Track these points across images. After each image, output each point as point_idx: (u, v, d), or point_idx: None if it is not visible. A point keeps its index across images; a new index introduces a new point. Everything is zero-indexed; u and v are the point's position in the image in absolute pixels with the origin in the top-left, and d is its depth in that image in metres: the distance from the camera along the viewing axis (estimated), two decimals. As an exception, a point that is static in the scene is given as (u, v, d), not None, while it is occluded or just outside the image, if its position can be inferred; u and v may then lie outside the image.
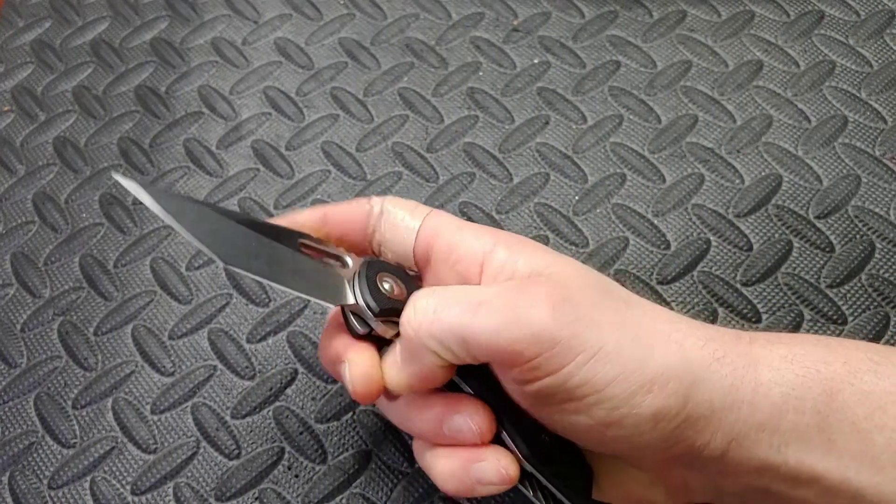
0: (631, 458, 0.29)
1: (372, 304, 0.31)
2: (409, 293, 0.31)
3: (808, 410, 0.27)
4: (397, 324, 0.30)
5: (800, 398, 0.27)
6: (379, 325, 0.31)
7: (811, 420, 0.27)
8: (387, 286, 0.32)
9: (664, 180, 0.44)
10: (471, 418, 0.29)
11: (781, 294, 0.40)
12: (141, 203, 0.46)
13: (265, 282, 0.31)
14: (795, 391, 0.27)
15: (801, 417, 0.27)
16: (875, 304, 0.39)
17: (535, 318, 0.27)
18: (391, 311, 0.31)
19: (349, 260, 0.33)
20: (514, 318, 0.27)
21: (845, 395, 0.27)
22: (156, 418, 0.39)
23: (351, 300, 0.31)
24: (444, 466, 0.30)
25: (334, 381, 0.40)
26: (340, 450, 0.38)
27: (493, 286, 0.29)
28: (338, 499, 0.37)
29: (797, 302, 0.40)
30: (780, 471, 0.27)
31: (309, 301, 0.32)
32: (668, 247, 0.42)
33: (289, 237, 0.32)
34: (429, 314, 0.28)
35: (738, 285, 0.41)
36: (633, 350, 0.27)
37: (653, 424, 0.27)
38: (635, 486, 0.30)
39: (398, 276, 0.32)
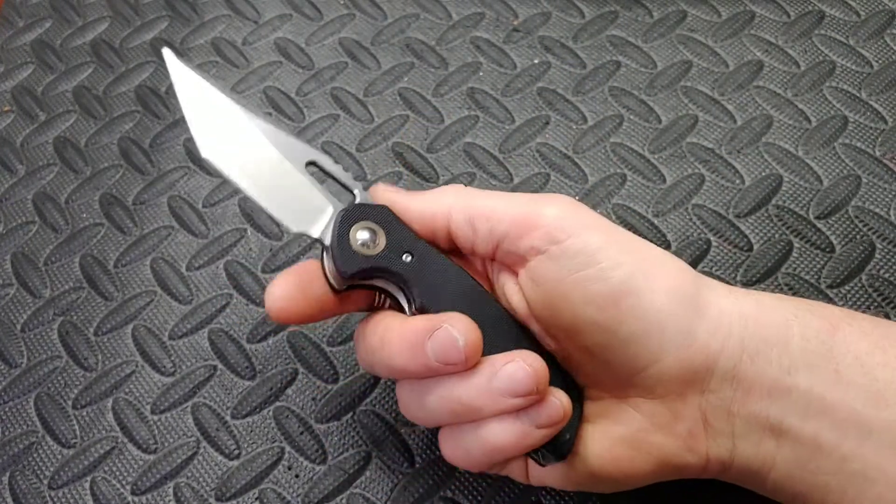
0: (648, 356, 0.29)
1: (340, 265, 0.31)
2: (392, 243, 0.31)
3: (813, 338, 0.28)
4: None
5: (803, 325, 0.29)
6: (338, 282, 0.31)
7: (817, 348, 0.28)
8: (363, 238, 0.31)
9: (664, 180, 0.44)
10: (454, 328, 0.28)
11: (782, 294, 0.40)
12: (142, 203, 0.46)
13: (233, 181, 0.32)
14: (798, 318, 0.29)
15: (808, 344, 0.28)
16: (875, 304, 0.39)
17: (557, 197, 0.31)
18: (361, 272, 0.31)
19: (359, 194, 0.32)
20: (537, 196, 0.32)
21: (846, 331, 0.29)
22: (156, 418, 0.39)
23: (315, 233, 0.32)
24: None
25: (334, 381, 0.40)
26: (340, 450, 0.38)
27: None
28: (338, 499, 0.37)
29: (797, 302, 0.40)
30: (792, 396, 0.28)
31: (276, 219, 0.32)
32: (668, 247, 0.42)
33: (299, 153, 0.33)
34: (459, 193, 0.32)
35: (739, 286, 0.41)
36: (644, 244, 0.31)
37: (668, 300, 0.29)
38: (647, 432, 0.30)
39: (383, 224, 0.31)
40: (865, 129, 0.45)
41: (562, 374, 0.31)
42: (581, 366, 0.31)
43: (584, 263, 0.29)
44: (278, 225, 0.32)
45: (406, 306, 0.31)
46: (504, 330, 0.30)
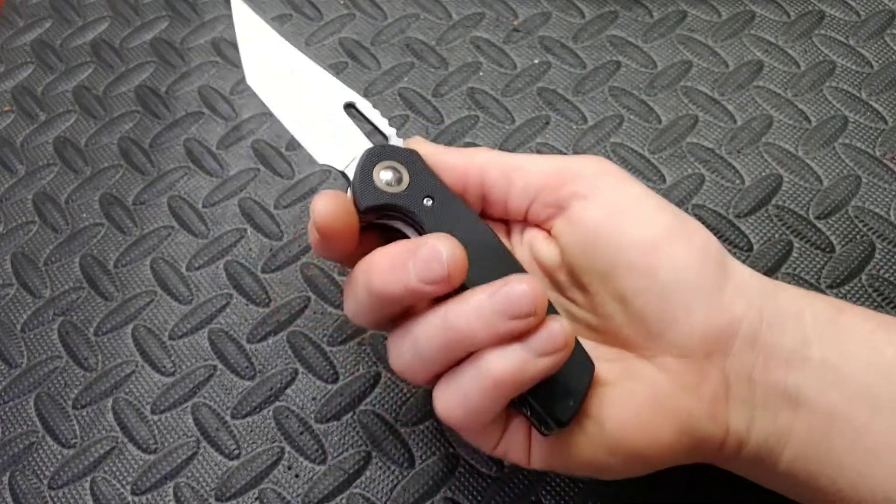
0: (682, 307, 0.29)
1: (358, 197, 0.31)
2: (415, 186, 0.31)
3: (821, 316, 0.29)
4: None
5: (811, 305, 0.30)
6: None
7: (826, 324, 0.29)
8: (386, 177, 0.31)
9: (664, 181, 0.44)
10: (439, 244, 0.27)
11: (782, 294, 0.40)
12: (142, 203, 0.46)
13: (272, 109, 0.34)
14: (805, 299, 0.30)
15: (818, 319, 0.29)
16: (875, 304, 0.39)
17: (590, 156, 0.32)
18: (379, 207, 0.31)
19: (392, 139, 0.34)
20: (574, 157, 0.33)
21: (849, 314, 0.30)
22: (156, 418, 0.39)
23: (339, 165, 0.33)
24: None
25: (334, 381, 0.40)
26: (340, 450, 0.38)
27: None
28: (338, 499, 0.37)
29: (797, 302, 0.40)
30: (808, 367, 0.28)
31: (306, 151, 0.33)
32: (668, 247, 0.42)
33: (339, 94, 0.34)
34: (493, 152, 0.33)
35: (739, 285, 0.41)
36: (674, 207, 0.31)
37: (702, 256, 0.29)
38: (673, 393, 0.29)
39: (409, 166, 0.32)
40: (865, 129, 0.45)
41: (576, 344, 0.29)
42: (611, 317, 0.30)
43: (627, 209, 0.30)
44: (307, 156, 0.33)
45: None
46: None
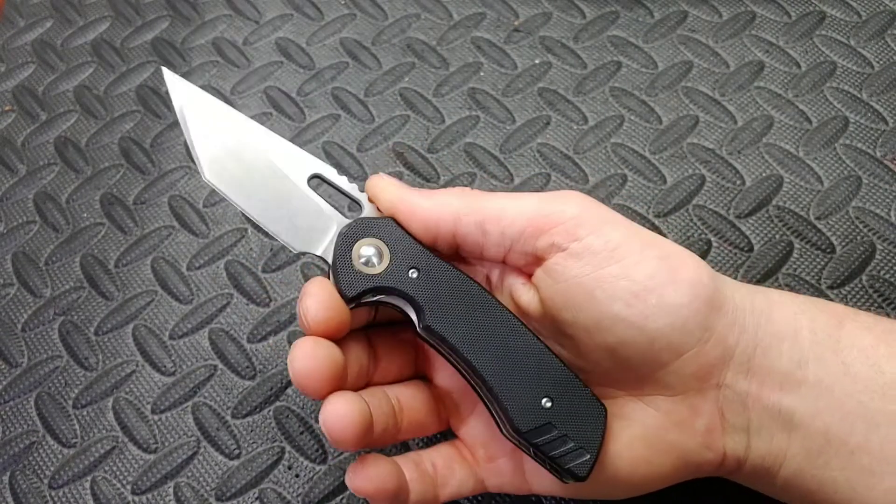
0: (671, 352, 0.29)
1: (342, 288, 0.30)
2: (397, 260, 0.30)
3: (820, 332, 0.29)
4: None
5: (811, 319, 0.29)
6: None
7: (824, 340, 0.29)
8: (367, 254, 0.30)
9: (665, 181, 0.44)
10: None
11: (782, 295, 0.40)
12: (143, 203, 0.46)
13: (236, 205, 0.32)
14: (805, 313, 0.29)
15: (815, 337, 0.29)
16: (875, 305, 0.39)
17: (570, 194, 0.31)
18: (365, 292, 0.30)
19: (365, 206, 0.32)
20: (549, 195, 0.31)
21: (851, 326, 0.29)
22: (156, 418, 0.39)
23: (317, 250, 0.31)
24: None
25: (335, 381, 0.40)
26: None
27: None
28: (338, 499, 0.37)
29: (798, 303, 0.40)
30: (802, 390, 0.28)
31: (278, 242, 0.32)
32: (668, 247, 0.42)
33: (302, 166, 0.32)
34: (466, 196, 0.31)
35: (739, 286, 0.41)
36: (661, 238, 0.31)
37: (690, 295, 0.29)
38: (666, 430, 0.29)
39: (387, 238, 0.30)
40: (866, 129, 0.45)
41: (583, 391, 0.29)
42: (598, 364, 0.30)
43: (608, 259, 0.29)
44: (283, 245, 0.32)
45: (416, 320, 0.30)
46: (517, 334, 0.30)
